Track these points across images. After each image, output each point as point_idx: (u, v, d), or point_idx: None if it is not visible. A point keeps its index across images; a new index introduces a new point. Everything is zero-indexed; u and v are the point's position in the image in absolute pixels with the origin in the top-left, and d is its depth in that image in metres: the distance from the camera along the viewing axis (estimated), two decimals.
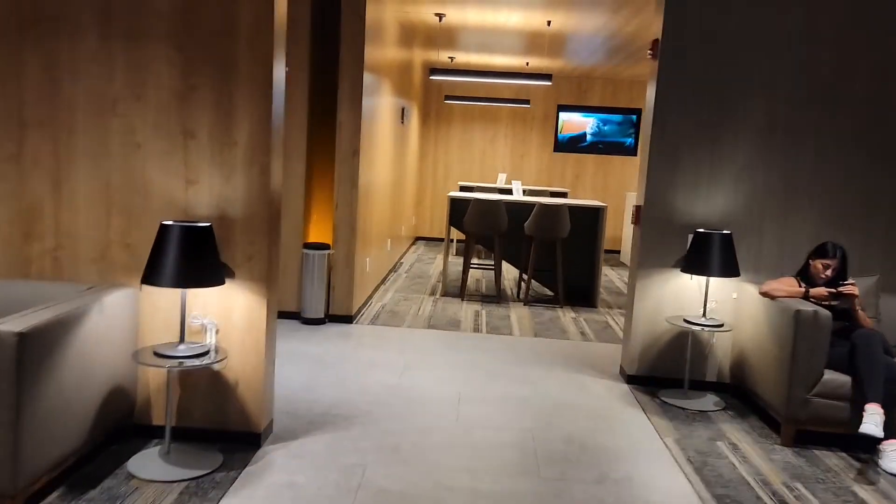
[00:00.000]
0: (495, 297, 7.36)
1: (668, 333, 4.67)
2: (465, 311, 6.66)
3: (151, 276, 2.94)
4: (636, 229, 4.72)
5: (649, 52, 4.60)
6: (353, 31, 5.64)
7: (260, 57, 3.16)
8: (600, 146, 11.34)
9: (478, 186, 9.81)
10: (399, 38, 7.87)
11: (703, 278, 4.56)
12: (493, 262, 8.96)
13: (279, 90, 3.31)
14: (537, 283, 7.86)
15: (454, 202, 7.53)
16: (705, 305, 4.44)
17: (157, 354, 3.05)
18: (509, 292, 7.70)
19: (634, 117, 11.29)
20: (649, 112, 4.62)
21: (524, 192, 9.38)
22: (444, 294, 7.33)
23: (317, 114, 5.78)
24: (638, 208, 4.68)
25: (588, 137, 11.36)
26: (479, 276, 8.64)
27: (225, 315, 3.31)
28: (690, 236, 4.55)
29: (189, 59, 3.18)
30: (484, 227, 6.96)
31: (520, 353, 5.33)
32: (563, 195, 10.07)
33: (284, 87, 3.40)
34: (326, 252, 5.70)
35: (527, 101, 9.88)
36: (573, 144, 11.39)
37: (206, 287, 3.00)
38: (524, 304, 7.07)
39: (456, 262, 9.50)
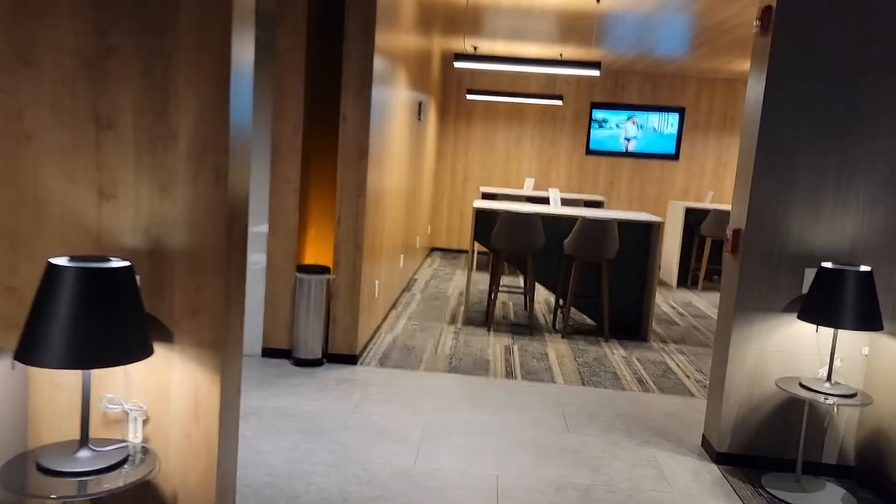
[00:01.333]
0: (527, 326, 6.22)
1: (773, 399, 3.52)
2: (493, 345, 5.52)
3: (29, 349, 1.83)
4: (731, 260, 3.57)
5: (757, 23, 3.45)
6: (363, 5, 4.51)
7: (210, 12, 2.05)
8: (641, 152, 10.19)
9: (502, 194, 8.67)
10: (417, 20, 6.75)
11: (829, 330, 3.40)
12: (522, 285, 7.83)
13: (243, 61, 2.20)
14: (575, 310, 6.72)
15: (480, 214, 6.40)
16: (831, 366, 3.29)
17: (42, 470, 1.93)
18: (542, 320, 6.56)
19: (677, 115, 10.11)
20: (754, 105, 3.47)
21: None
22: (467, 322, 6.19)
23: (316, 107, 4.67)
24: (736, 233, 3.53)
25: (634, 140, 10.19)
26: (504, 299, 7.49)
27: (158, 397, 2.19)
28: (809, 271, 3.40)
29: (105, 7, 2.07)
30: (516, 245, 5.82)
31: (568, 410, 4.18)
32: (599, 205, 8.91)
33: (252, 61, 2.28)
34: (326, 277, 4.58)
35: (559, 97, 8.73)
36: (613, 145, 10.23)
37: (119, 364, 1.88)
38: (562, 337, 5.93)
39: (478, 281, 8.36)
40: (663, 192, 10.32)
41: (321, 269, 4.58)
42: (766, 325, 3.47)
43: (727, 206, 8.95)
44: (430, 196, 9.62)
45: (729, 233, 3.59)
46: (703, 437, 3.79)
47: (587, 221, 5.72)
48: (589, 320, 6.61)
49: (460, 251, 10.63)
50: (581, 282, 6.32)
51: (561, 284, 6.26)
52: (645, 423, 4.08)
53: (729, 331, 3.52)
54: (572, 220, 6.18)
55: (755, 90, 3.47)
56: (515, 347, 5.51)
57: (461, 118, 10.35)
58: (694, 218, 8.83)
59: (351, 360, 4.73)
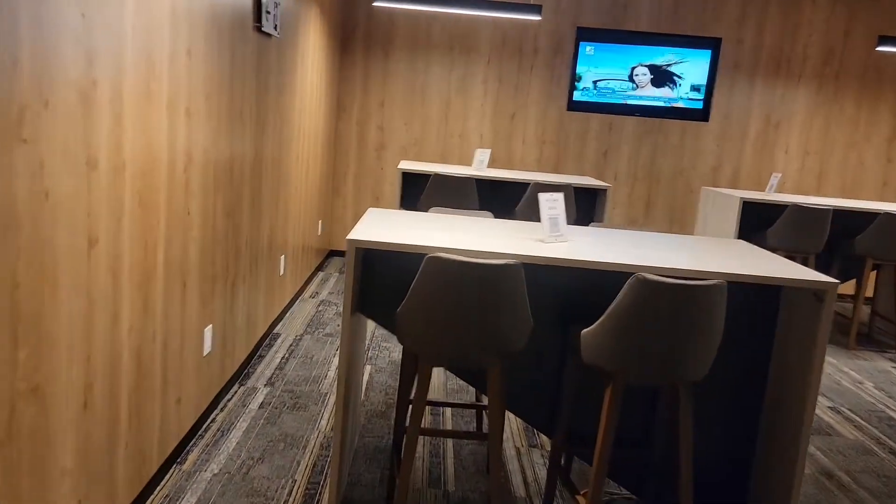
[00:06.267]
0: None
1: None
2: None
3: None
4: None
5: None
6: None
7: None
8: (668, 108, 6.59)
9: (438, 174, 4.95)
10: None
11: None
12: (474, 399, 4.01)
13: None
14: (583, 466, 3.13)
15: (371, 254, 2.68)
16: None
17: None
18: (520, 488, 2.96)
19: (709, 52, 6.53)
20: None
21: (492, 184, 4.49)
22: None
23: None
24: None
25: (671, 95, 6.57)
26: (434, 418, 3.84)
27: None
28: None
29: None
30: (463, 346, 2.18)
31: None
32: (595, 197, 5.30)
33: None
34: None
35: (536, 9, 5.03)
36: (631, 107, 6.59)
37: None
38: None
39: (384, 356, 4.68)
40: (684, 169, 6.79)
41: None
42: None
43: (834, 201, 5.42)
44: (319, 173, 5.83)
45: None
46: None
47: (650, 289, 2.10)
48: (624, 491, 3.02)
49: None
50: (624, 417, 2.74)
51: (565, 420, 2.63)
52: None
53: None
54: (605, 277, 2.57)
55: None
56: None
57: (373, 45, 6.51)
58: (753, 218, 5.36)
59: None
